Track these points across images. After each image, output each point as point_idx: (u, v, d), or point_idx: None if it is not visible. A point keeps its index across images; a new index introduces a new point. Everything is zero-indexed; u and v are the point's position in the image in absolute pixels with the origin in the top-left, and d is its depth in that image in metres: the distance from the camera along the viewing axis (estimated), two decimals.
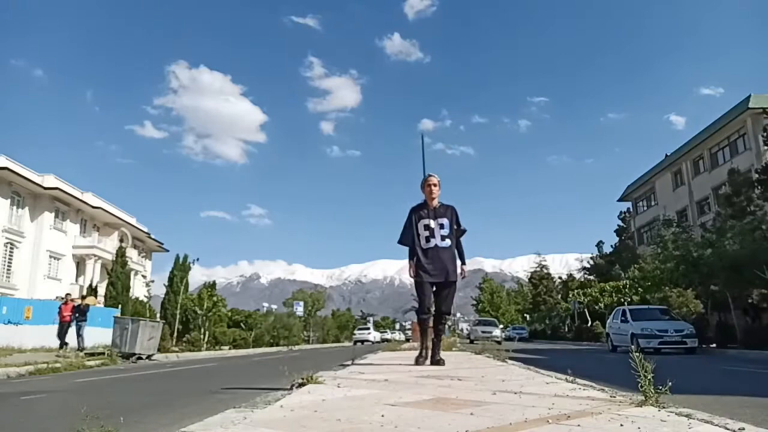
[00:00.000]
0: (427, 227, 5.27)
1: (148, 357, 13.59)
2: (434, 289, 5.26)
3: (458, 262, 5.31)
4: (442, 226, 5.25)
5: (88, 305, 16.51)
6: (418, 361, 5.33)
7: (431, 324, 5.37)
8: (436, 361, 5.22)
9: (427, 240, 5.24)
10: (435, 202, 5.38)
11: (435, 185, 5.37)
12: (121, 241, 34.37)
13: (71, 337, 15.93)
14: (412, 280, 5.42)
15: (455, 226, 5.37)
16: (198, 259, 26.00)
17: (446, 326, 5.62)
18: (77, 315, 15.88)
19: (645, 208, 41.34)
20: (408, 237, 5.38)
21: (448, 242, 5.24)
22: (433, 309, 5.26)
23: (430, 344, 5.41)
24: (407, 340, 38.04)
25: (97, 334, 21.10)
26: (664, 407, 2.28)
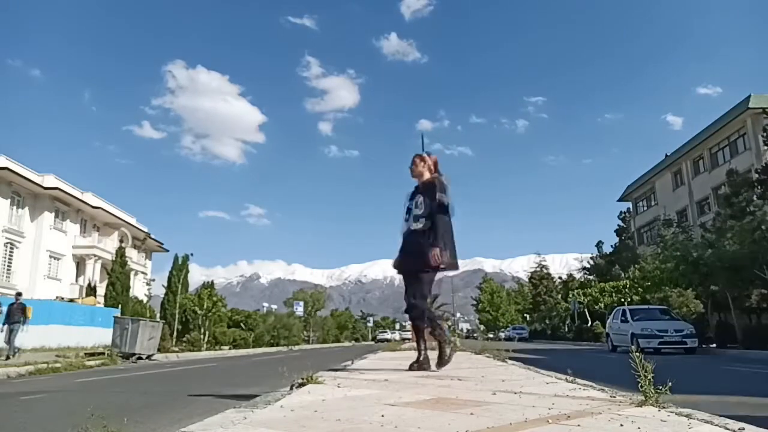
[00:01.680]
0: (408, 209, 4.63)
1: (148, 357, 13.60)
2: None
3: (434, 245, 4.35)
4: (416, 205, 4.54)
5: (24, 305, 13.94)
6: (411, 366, 4.58)
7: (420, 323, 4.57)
8: (419, 365, 4.48)
9: (405, 223, 4.61)
10: (419, 180, 4.72)
11: (414, 163, 4.74)
12: (122, 241, 34.40)
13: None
14: None
15: (432, 202, 4.46)
16: (192, 254, 26.10)
17: (435, 326, 4.49)
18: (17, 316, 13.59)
19: (645, 208, 41.35)
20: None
21: (420, 223, 4.44)
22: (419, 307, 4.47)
23: (422, 347, 4.63)
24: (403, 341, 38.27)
25: (97, 334, 21.14)
26: (664, 407, 2.28)
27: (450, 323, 59.57)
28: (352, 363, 6.35)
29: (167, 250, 43.62)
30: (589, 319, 32.99)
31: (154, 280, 27.31)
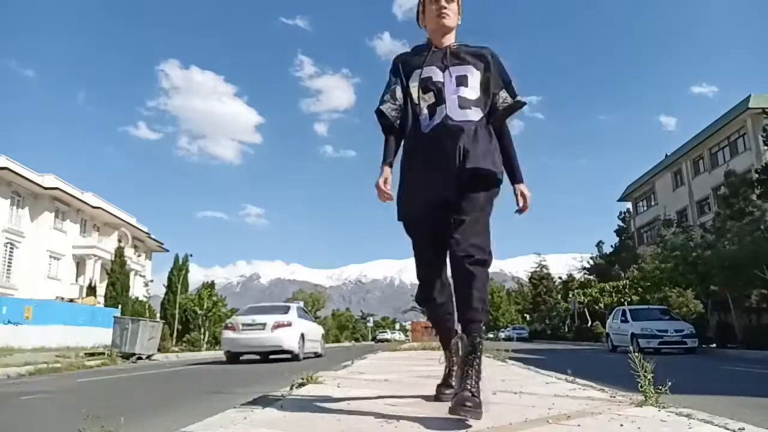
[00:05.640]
0: (428, 84, 2.41)
1: (148, 357, 13.59)
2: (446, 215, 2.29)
3: (496, 154, 2.39)
4: (463, 82, 2.39)
5: None
6: (440, 394, 2.64)
7: (446, 306, 2.51)
8: (462, 401, 1.89)
9: (431, 112, 2.39)
10: (449, 38, 2.50)
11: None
12: (120, 240, 34.38)
13: None
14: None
15: (496, 88, 2.45)
16: (191, 255, 26.12)
17: (486, 310, 2.18)
18: None
19: (645, 208, 41.34)
20: (391, 103, 2.47)
21: (475, 112, 2.37)
22: (442, 277, 2.44)
23: (455, 357, 2.29)
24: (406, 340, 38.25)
25: (97, 334, 21.13)
26: (664, 407, 2.28)
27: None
28: (352, 363, 6.35)
29: (167, 250, 43.63)
30: (589, 319, 32.99)
31: (152, 281, 27.29)
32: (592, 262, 47.44)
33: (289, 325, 11.69)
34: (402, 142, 2.50)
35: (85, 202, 33.80)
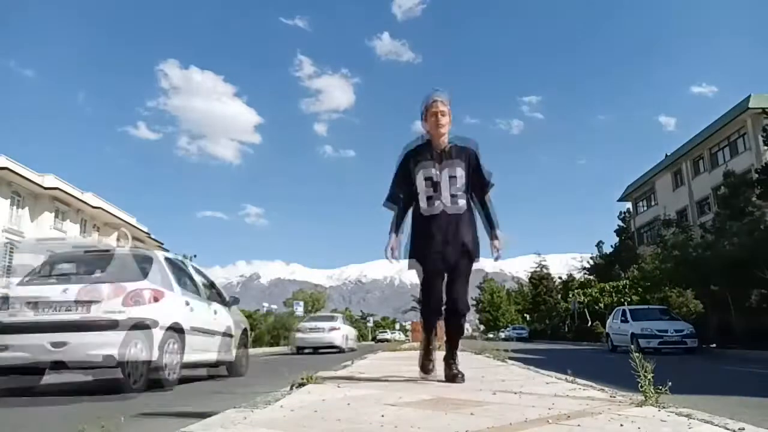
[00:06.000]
0: (429, 180, 3.47)
1: None
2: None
3: (476, 232, 3.63)
4: (453, 180, 3.46)
5: None
6: (426, 368, 3.84)
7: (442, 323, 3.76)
8: (453, 376, 3.54)
9: (431, 202, 3.46)
10: (443, 140, 3.53)
11: (443, 113, 3.50)
12: (118, 240, 34.37)
13: None
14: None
15: (477, 177, 3.57)
16: (195, 256, 26.08)
17: (464, 325, 3.86)
18: None
19: (645, 208, 41.34)
20: (397, 196, 3.68)
21: (461, 204, 3.48)
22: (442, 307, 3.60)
23: (436, 344, 3.91)
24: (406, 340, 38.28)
25: None
26: (664, 407, 2.28)
27: None
28: (352, 363, 6.35)
29: (167, 251, 43.61)
30: (589, 319, 32.97)
31: None
32: (592, 262, 47.41)
33: (337, 329, 16.99)
34: (407, 214, 3.66)
35: (85, 202, 33.81)
